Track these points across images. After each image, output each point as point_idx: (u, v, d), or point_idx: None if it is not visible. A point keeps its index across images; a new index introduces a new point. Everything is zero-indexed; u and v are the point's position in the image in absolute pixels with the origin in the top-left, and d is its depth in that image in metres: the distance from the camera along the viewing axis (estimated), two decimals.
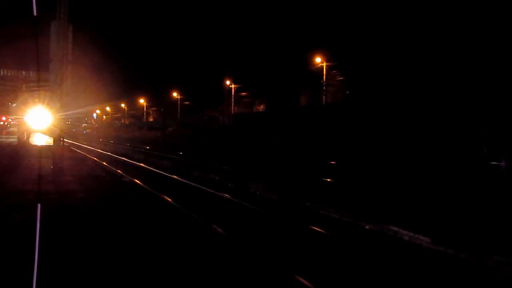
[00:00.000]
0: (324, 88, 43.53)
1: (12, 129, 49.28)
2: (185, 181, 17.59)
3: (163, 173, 20.62)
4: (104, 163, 24.87)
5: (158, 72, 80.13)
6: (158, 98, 75.03)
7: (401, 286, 6.79)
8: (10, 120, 49.20)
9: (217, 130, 48.17)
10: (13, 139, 37.29)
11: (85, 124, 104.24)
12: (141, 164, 25.22)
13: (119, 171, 20.70)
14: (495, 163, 15.45)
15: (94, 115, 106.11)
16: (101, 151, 36.47)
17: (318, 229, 9.72)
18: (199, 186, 16.26)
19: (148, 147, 40.34)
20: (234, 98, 59.66)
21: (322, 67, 43.14)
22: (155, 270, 6.58)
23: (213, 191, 15.00)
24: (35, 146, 31.65)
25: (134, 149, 37.86)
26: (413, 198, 11.20)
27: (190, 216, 10.84)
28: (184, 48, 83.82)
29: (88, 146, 45.42)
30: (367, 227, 10.16)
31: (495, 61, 23.66)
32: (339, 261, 7.74)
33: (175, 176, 19.05)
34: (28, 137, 33.11)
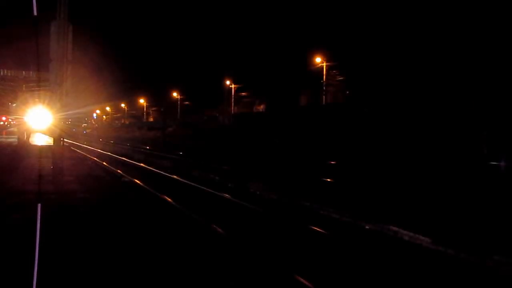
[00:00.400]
0: (324, 88, 43.52)
1: (12, 129, 49.25)
2: (185, 181, 17.59)
3: (163, 173, 20.62)
4: (104, 163, 24.87)
5: (158, 72, 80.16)
6: (158, 98, 75.14)
7: (401, 286, 6.79)
8: (10, 120, 49.16)
9: (217, 130, 48.17)
10: (13, 139, 37.29)
11: (85, 124, 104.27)
12: (141, 164, 25.22)
13: (119, 171, 20.70)
14: (495, 163, 15.45)
15: (94, 115, 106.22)
16: (101, 151, 36.48)
17: (318, 229, 9.72)
18: (199, 186, 16.26)
19: (148, 147, 40.35)
20: (234, 98, 59.66)
21: (322, 67, 43.13)
22: (155, 270, 6.58)
23: (213, 191, 15.00)
24: (35, 146, 31.66)
25: (134, 149, 37.87)
26: (413, 198, 11.22)
27: (190, 216, 10.84)
28: (184, 48, 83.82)
29: (88, 146, 45.43)
30: (367, 227, 10.16)
31: (495, 61, 23.65)
32: (339, 261, 7.74)
33: (175, 176, 19.06)
34: (28, 137, 33.10)
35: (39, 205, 9.19)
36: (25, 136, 32.02)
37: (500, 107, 19.99)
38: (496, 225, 8.60)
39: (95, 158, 27.79)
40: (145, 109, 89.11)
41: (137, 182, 16.92)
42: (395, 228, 9.44)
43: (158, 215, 10.99)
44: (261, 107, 57.42)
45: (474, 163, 16.25)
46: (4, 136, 47.35)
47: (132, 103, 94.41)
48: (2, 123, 50.63)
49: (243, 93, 58.97)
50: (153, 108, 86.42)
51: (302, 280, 6.42)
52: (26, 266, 5.17)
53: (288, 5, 56.29)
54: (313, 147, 26.21)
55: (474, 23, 26.19)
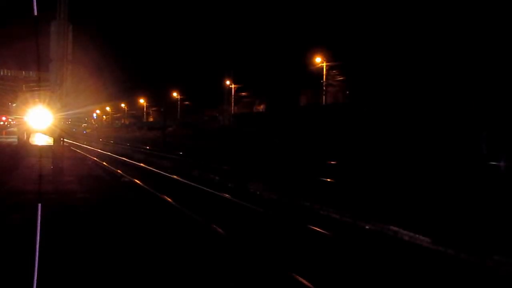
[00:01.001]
0: (324, 88, 43.51)
1: (12, 129, 49.22)
2: (185, 181, 17.59)
3: (163, 173, 20.62)
4: (104, 163, 24.87)
5: (158, 72, 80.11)
6: (158, 98, 75.09)
7: (401, 286, 6.79)
8: (10, 120, 49.14)
9: (217, 130, 48.22)
10: (13, 139, 37.28)
11: (85, 124, 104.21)
12: (141, 164, 25.22)
13: (119, 171, 20.70)
14: (494, 163, 15.45)
15: (94, 115, 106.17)
16: (101, 151, 36.49)
17: (318, 229, 9.72)
18: (199, 186, 16.26)
19: (148, 147, 40.36)
20: (234, 98, 59.65)
21: (322, 67, 43.12)
22: (156, 271, 6.58)
23: (213, 191, 15.00)
24: (35, 146, 31.66)
25: (134, 149, 37.88)
26: (413, 197, 11.22)
27: (190, 216, 10.84)
28: (184, 48, 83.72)
29: (88, 146, 45.44)
30: (367, 227, 10.16)
31: (495, 61, 23.65)
32: (339, 261, 7.74)
33: (175, 176, 19.05)
34: (28, 137, 33.07)
35: (39, 205, 9.19)
36: (25, 136, 31.98)
37: (500, 107, 19.98)
38: (496, 225, 8.61)
39: (95, 158, 27.79)
40: (145, 109, 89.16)
41: (137, 182, 16.92)
42: (395, 228, 9.44)
43: (158, 215, 10.99)
44: (261, 107, 57.42)
45: (474, 163, 16.24)
46: (4, 136, 47.33)
47: (132, 103, 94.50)
48: (2, 123, 50.62)
49: (243, 93, 58.96)
50: (153, 108, 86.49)
51: (302, 280, 6.42)
52: (26, 266, 5.17)
53: (288, 5, 56.28)
54: (313, 147, 26.21)
55: (474, 23, 26.19)
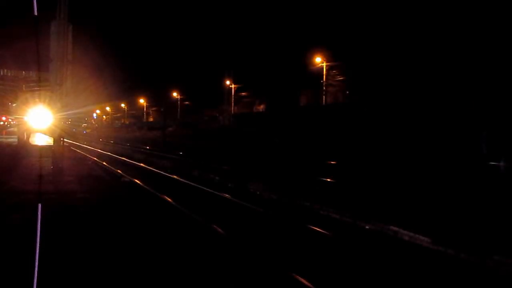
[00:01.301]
0: (324, 88, 43.49)
1: (12, 129, 49.22)
2: (185, 181, 17.59)
3: (163, 173, 20.63)
4: (104, 163, 24.88)
5: (158, 72, 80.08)
6: (158, 98, 75.10)
7: (401, 286, 6.79)
8: (10, 120, 49.10)
9: (217, 130, 48.22)
10: (13, 139, 37.29)
11: (85, 124, 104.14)
12: (141, 164, 25.22)
13: (119, 171, 20.70)
14: (494, 163, 15.45)
15: (94, 115, 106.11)
16: (101, 151, 36.49)
17: (318, 229, 9.72)
18: (199, 186, 16.26)
19: (148, 147, 40.36)
20: (234, 98, 59.63)
21: (322, 67, 43.09)
22: (156, 271, 6.58)
23: (213, 191, 15.01)
24: (35, 146, 31.67)
25: (134, 149, 37.88)
26: (413, 197, 11.22)
27: (190, 216, 10.84)
28: (184, 48, 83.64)
29: (88, 146, 45.45)
30: (367, 227, 10.15)
31: (495, 61, 23.65)
32: (339, 261, 7.74)
33: (175, 176, 19.06)
34: (28, 137, 33.09)
35: (39, 205, 9.18)
36: (25, 136, 32.01)
37: (500, 107, 19.98)
38: (496, 225, 8.61)
39: (95, 158, 27.80)
40: (145, 109, 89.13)
41: (137, 182, 16.92)
42: (395, 228, 9.44)
43: (158, 215, 10.99)
44: (261, 107, 57.38)
45: (474, 163, 16.24)
46: (4, 136, 47.34)
47: (132, 103, 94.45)
48: (2, 123, 50.59)
49: (243, 93, 58.93)
50: (153, 108, 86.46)
51: (302, 280, 6.42)
52: (27, 266, 5.17)
53: (288, 5, 56.25)
54: (313, 147, 26.22)
55: (474, 23, 26.19)
